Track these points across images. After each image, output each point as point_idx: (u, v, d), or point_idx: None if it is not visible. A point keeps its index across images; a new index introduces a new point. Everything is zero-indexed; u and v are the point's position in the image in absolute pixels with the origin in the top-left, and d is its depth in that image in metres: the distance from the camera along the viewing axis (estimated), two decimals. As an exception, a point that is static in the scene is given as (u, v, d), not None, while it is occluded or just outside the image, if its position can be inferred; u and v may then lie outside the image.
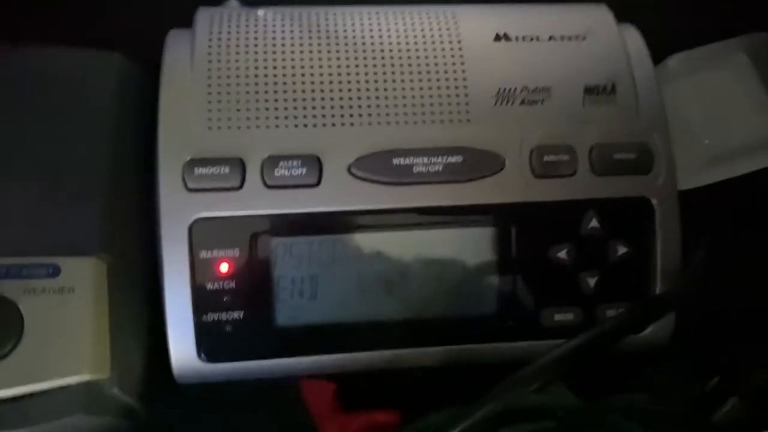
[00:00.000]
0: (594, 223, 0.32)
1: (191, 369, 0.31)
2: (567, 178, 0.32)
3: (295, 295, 0.31)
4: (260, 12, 0.34)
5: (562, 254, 0.32)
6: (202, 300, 0.31)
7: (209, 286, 0.31)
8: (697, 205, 0.35)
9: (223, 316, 0.31)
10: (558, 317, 0.33)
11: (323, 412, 0.34)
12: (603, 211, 0.32)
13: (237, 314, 0.31)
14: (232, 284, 0.31)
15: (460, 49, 0.34)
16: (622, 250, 0.33)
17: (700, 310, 0.32)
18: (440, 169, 0.32)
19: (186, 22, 0.34)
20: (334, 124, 0.32)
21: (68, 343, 0.27)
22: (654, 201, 0.33)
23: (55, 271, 0.28)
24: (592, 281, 0.33)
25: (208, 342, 0.31)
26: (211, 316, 0.31)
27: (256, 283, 0.31)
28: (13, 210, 0.28)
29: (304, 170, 0.31)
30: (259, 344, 0.32)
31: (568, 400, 0.33)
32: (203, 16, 0.34)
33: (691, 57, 0.39)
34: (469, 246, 0.32)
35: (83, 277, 0.28)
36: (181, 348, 0.31)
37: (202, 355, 0.31)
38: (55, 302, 0.27)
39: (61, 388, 0.27)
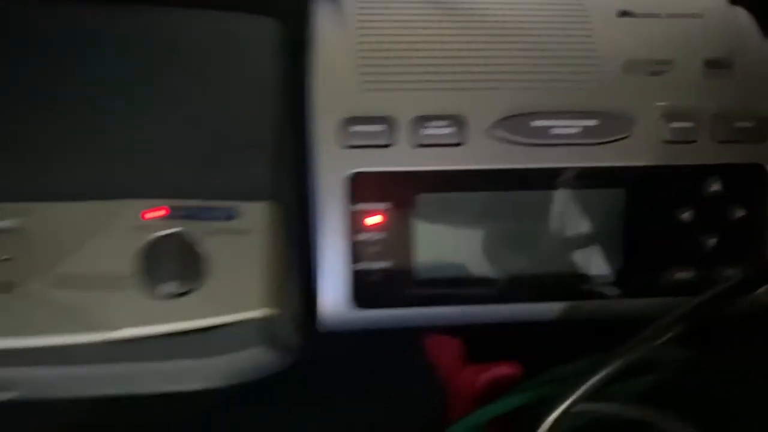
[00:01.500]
0: (715, 187, 0.35)
1: (339, 315, 0.33)
2: (691, 144, 0.35)
3: (437, 249, 0.34)
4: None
5: (685, 216, 0.35)
6: (355, 249, 0.33)
7: (361, 236, 0.33)
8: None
9: (372, 265, 0.33)
10: (678, 275, 0.35)
11: (452, 365, 0.36)
12: (723, 177, 0.35)
13: (384, 264, 0.33)
14: (382, 236, 0.33)
15: (588, 23, 0.36)
16: (739, 213, 0.35)
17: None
18: (577, 131, 0.34)
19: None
20: (477, 89, 0.34)
21: (247, 281, 0.29)
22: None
23: (233, 214, 0.30)
24: (711, 242, 0.35)
25: (357, 289, 0.33)
26: (361, 265, 0.33)
27: (402, 236, 0.33)
28: (193, 158, 0.31)
29: (450, 130, 0.33)
30: (402, 294, 0.34)
31: (681, 353, 0.36)
32: (347, -13, 0.36)
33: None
34: (599, 206, 0.34)
35: (259, 220, 0.30)
36: (331, 294, 0.33)
37: (351, 301, 0.33)
38: (234, 242, 0.30)
39: (241, 322, 0.29)
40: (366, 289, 0.33)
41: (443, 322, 0.35)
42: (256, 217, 0.30)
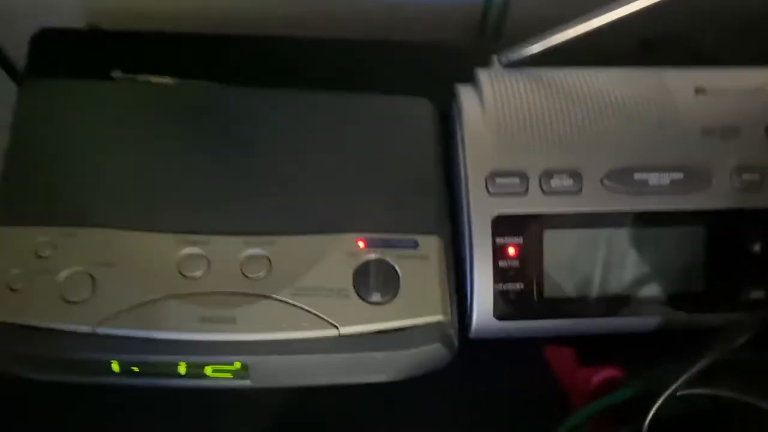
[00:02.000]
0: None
1: (487, 326, 0.43)
2: (757, 192, 0.44)
3: (559, 273, 0.43)
4: (524, 72, 0.47)
5: (756, 248, 0.44)
6: (497, 274, 0.43)
7: (503, 263, 0.43)
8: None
9: (511, 286, 0.43)
10: (752, 295, 0.44)
11: (569, 369, 0.45)
12: (785, 217, 0.44)
13: (520, 285, 0.43)
14: (517, 263, 0.43)
15: (672, 99, 0.46)
16: (799, 246, 0.44)
17: None
18: (667, 182, 0.44)
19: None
20: (589, 150, 0.44)
21: (427, 294, 0.40)
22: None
23: (415, 244, 0.40)
24: (777, 268, 0.44)
25: (500, 304, 0.43)
26: (503, 286, 0.43)
27: (532, 264, 0.43)
28: (386, 204, 0.42)
29: (570, 181, 0.44)
30: (532, 309, 0.43)
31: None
32: (483, 74, 0.47)
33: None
34: (689, 240, 0.44)
35: (433, 250, 0.41)
36: (482, 309, 0.43)
37: (495, 314, 0.43)
38: (418, 266, 0.40)
39: (425, 325, 0.39)
40: (505, 304, 0.43)
41: (565, 333, 0.44)
42: (431, 246, 0.41)
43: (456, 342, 0.41)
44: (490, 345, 0.45)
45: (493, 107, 0.45)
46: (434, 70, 0.51)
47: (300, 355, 0.37)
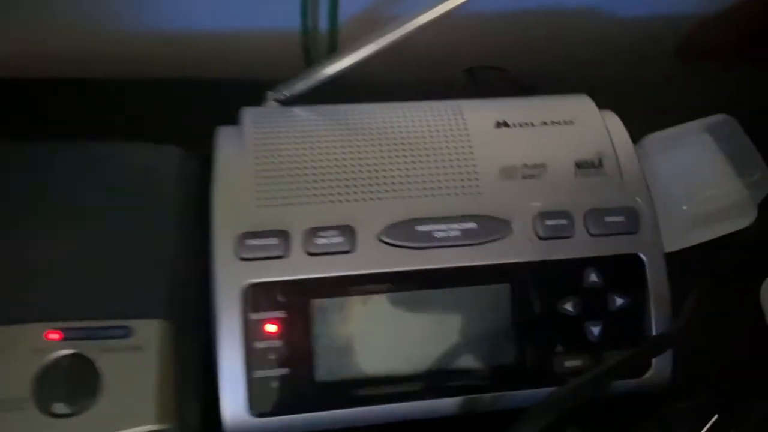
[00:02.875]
0: (593, 278, 0.37)
1: (244, 426, 0.35)
2: (566, 239, 0.37)
3: (333, 352, 0.35)
4: (296, 110, 0.40)
5: (568, 306, 0.37)
6: (253, 358, 0.35)
7: (258, 345, 0.35)
8: (682, 264, 0.40)
9: (271, 372, 0.35)
10: (568, 363, 0.37)
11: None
12: (600, 267, 0.37)
13: (283, 371, 0.35)
14: (279, 343, 0.35)
15: (467, 135, 0.39)
16: (619, 301, 0.37)
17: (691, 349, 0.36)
18: (458, 234, 0.37)
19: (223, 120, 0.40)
20: (364, 199, 0.37)
21: (139, 396, 0.31)
22: (643, 256, 0.38)
23: (128, 332, 0.32)
24: (596, 330, 0.37)
25: (258, 397, 0.34)
26: (260, 373, 0.35)
27: (299, 342, 0.35)
28: (91, 280, 0.33)
29: (341, 239, 0.36)
30: (303, 399, 0.35)
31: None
32: (248, 114, 0.39)
33: (662, 137, 0.45)
34: (486, 301, 0.36)
35: (152, 338, 0.32)
36: (233, 403, 0.34)
37: (253, 409, 0.34)
38: (128, 360, 0.31)
39: (135, 437, 0.30)
40: (265, 396, 0.35)
41: (346, 425, 0.36)
42: (149, 334, 0.32)
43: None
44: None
45: (254, 152, 0.38)
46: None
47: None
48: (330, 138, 0.39)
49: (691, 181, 0.44)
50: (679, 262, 0.40)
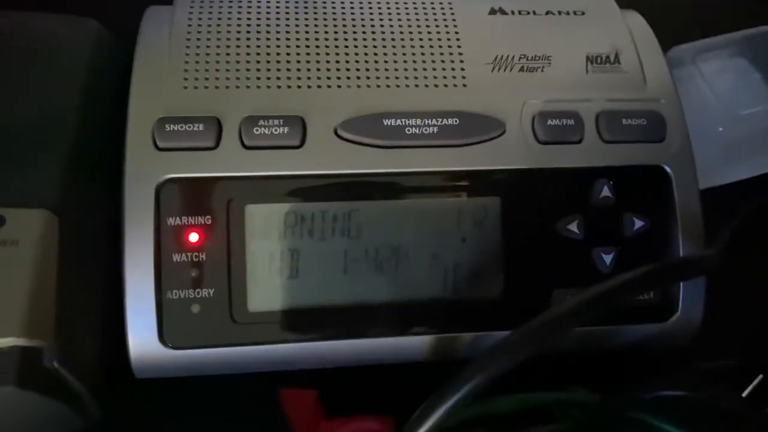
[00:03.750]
0: (605, 192, 0.29)
1: (151, 356, 0.27)
2: (573, 144, 0.30)
3: (272, 273, 0.28)
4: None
5: (573, 227, 0.29)
6: (167, 274, 0.27)
7: (176, 257, 0.27)
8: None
9: (190, 293, 0.27)
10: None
11: (305, 421, 0.29)
12: (615, 180, 0.29)
13: (206, 292, 0.27)
14: (202, 256, 0.27)
15: (453, 19, 0.32)
16: (638, 223, 0.29)
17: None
18: (435, 131, 0.29)
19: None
20: (320, 86, 0.29)
21: (3, 301, 0.23)
22: (669, 169, 0.30)
23: (-1, 221, 0.24)
24: (607, 258, 0.29)
25: (171, 323, 0.27)
26: (176, 293, 0.27)
27: (226, 257, 0.27)
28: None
29: (286, 129, 0.28)
30: (228, 329, 0.27)
31: (584, 397, 0.29)
32: (183, -11, 0.32)
33: (693, 47, 0.38)
34: (470, 217, 0.29)
35: (29, 230, 0.24)
36: (140, 329, 0.27)
37: (164, 339, 0.27)
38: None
39: (-8, 353, 0.23)
40: (180, 323, 0.27)
41: (283, 365, 0.28)
42: (26, 225, 0.25)
43: (77, 385, 0.25)
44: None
45: (185, 29, 0.30)
46: None
47: None
48: (282, 18, 0.31)
49: (726, 99, 0.36)
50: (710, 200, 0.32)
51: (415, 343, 0.29)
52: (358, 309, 0.28)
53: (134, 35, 0.31)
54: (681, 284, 0.29)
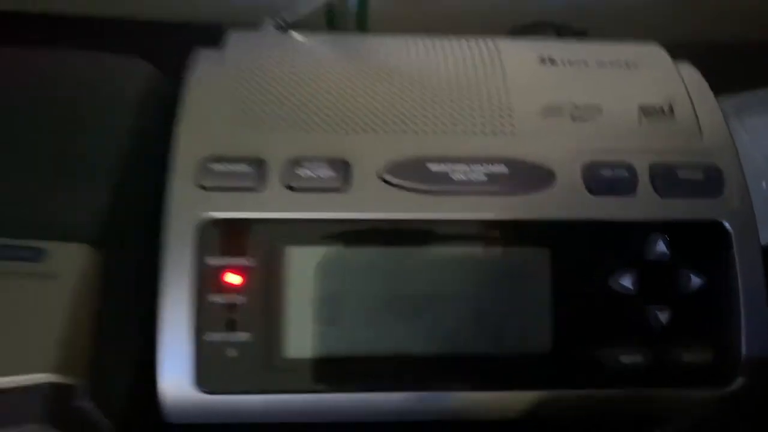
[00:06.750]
0: (661, 247, 0.28)
1: (187, 402, 0.26)
2: (626, 197, 0.29)
3: (311, 319, 0.27)
4: (294, 35, 0.33)
5: (626, 282, 0.28)
6: (205, 315, 0.26)
7: (214, 299, 0.27)
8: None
9: (228, 337, 0.26)
10: (624, 358, 0.27)
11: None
12: (671, 235, 0.28)
13: (243, 336, 0.27)
14: (240, 298, 0.27)
15: (502, 66, 0.32)
16: (696, 281, 0.28)
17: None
18: (483, 178, 0.28)
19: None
20: (365, 130, 0.29)
21: (39, 336, 0.23)
22: (728, 225, 0.28)
23: (39, 255, 0.24)
24: (662, 316, 0.28)
25: (208, 367, 0.26)
26: (213, 336, 0.26)
27: (267, 300, 0.27)
28: (14, 193, 0.26)
29: (330, 172, 0.28)
30: (266, 375, 0.26)
31: None
32: (234, 36, 0.33)
33: (735, 101, 0.37)
34: (517, 268, 0.28)
35: (70, 264, 0.24)
36: (174, 372, 0.26)
37: (199, 383, 0.26)
38: (35, 288, 0.23)
39: (24, 388, 0.22)
40: (217, 367, 0.26)
41: (314, 417, 0.27)
42: (67, 259, 0.24)
43: (98, 420, 0.24)
44: None
45: (234, 72, 0.31)
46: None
47: None
48: (329, 66, 0.31)
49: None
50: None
51: (456, 400, 0.27)
52: (397, 360, 0.27)
53: (180, 74, 0.32)
54: (744, 339, 0.28)
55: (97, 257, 0.25)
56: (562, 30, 0.40)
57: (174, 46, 0.32)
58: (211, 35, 0.33)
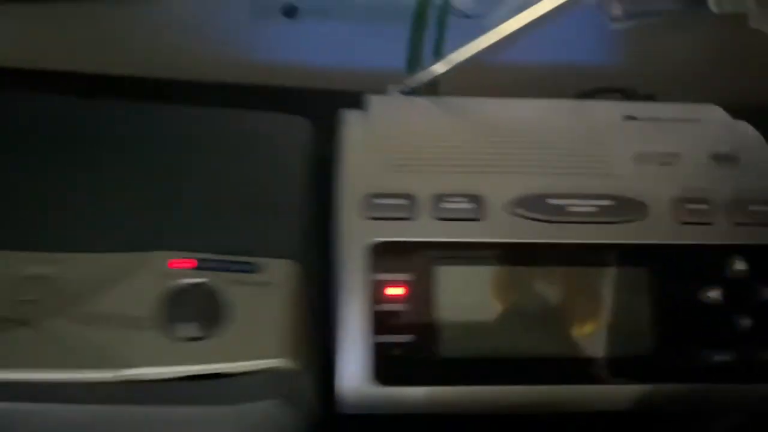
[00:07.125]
0: (741, 266, 0.34)
1: (359, 391, 0.32)
2: (707, 225, 0.35)
3: (459, 324, 0.33)
4: (420, 99, 0.41)
5: (714, 294, 0.34)
6: (376, 321, 0.32)
7: (383, 307, 0.33)
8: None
9: (394, 338, 0.32)
10: (717, 357, 0.33)
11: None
12: (748, 256, 0.34)
13: (407, 337, 0.32)
14: (403, 307, 0.33)
15: (595, 124, 0.39)
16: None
17: None
18: (594, 210, 0.35)
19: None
20: (494, 172, 0.36)
21: (266, 330, 0.29)
22: (792, 247, 0.35)
23: (256, 268, 0.30)
24: (745, 322, 0.34)
25: (379, 363, 0.32)
26: (382, 338, 0.32)
27: (424, 308, 0.33)
28: (224, 222, 0.33)
29: (469, 206, 0.35)
30: (427, 370, 0.32)
31: None
32: (374, 99, 0.40)
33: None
34: (622, 284, 0.34)
35: (282, 276, 0.31)
36: (352, 368, 0.32)
37: (373, 376, 0.32)
38: (255, 294, 0.30)
39: (257, 373, 0.28)
40: (386, 363, 0.32)
41: (470, 404, 0.33)
42: (278, 272, 0.31)
43: (312, 402, 0.30)
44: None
45: (380, 129, 0.38)
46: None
47: (61, 405, 0.26)
48: (456, 121, 0.39)
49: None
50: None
51: (578, 392, 0.33)
52: (528, 360, 0.33)
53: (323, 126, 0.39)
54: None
55: (299, 269, 0.31)
56: (628, 93, 0.47)
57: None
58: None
